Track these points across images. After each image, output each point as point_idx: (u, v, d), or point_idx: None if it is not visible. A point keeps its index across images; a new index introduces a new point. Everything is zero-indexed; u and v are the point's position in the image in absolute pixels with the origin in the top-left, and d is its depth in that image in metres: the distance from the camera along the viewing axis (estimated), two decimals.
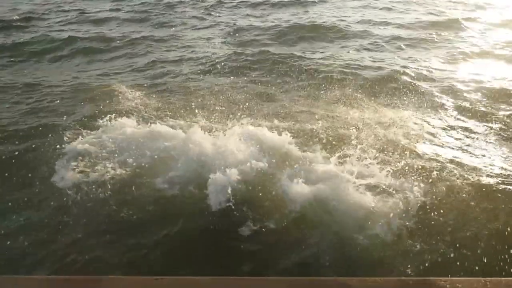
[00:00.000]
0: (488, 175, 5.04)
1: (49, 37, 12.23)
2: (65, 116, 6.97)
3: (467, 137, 6.11)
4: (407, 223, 4.19)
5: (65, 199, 4.67)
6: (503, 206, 4.48)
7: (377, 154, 5.32)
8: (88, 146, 5.46)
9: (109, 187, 4.78)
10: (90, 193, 4.69)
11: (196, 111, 6.65)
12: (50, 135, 6.09)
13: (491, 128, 6.37)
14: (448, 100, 7.50)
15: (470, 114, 6.87)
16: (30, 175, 5.15)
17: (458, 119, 6.77)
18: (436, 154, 5.60)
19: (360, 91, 7.86)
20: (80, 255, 3.99)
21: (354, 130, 6.18)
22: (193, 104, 7.02)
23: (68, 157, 5.30)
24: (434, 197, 4.54)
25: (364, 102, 7.39)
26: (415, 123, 6.53)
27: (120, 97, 7.63)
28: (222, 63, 9.70)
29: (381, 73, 8.83)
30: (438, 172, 5.05)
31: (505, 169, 5.19)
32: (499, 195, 4.67)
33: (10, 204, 4.72)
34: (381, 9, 15.71)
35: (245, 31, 12.87)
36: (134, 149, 5.31)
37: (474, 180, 4.93)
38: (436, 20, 13.68)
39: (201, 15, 15.43)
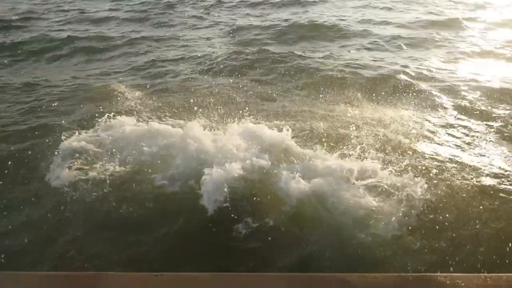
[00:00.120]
0: (488, 175, 5.04)
1: (48, 37, 12.22)
2: (64, 115, 6.97)
3: (467, 136, 6.11)
4: (407, 222, 4.17)
5: (64, 196, 4.67)
6: (503, 205, 4.47)
7: (377, 153, 5.32)
8: (87, 145, 5.46)
9: (109, 184, 4.78)
10: (89, 191, 4.68)
11: (195, 108, 6.64)
12: (49, 134, 6.09)
13: (491, 127, 6.37)
14: (448, 100, 7.49)
15: (470, 114, 6.86)
16: (29, 173, 5.16)
17: (458, 118, 6.76)
18: (436, 153, 5.59)
19: (360, 90, 7.86)
20: (80, 251, 4.00)
21: (354, 129, 6.18)
22: (192, 103, 7.01)
23: (67, 155, 5.29)
24: (434, 195, 4.53)
25: (364, 102, 7.39)
26: (415, 122, 6.52)
27: (119, 97, 7.62)
28: (222, 63, 9.70)
29: (381, 73, 8.83)
30: (438, 171, 5.05)
31: (505, 169, 5.19)
32: (500, 194, 4.66)
33: (10, 202, 4.72)
34: (381, 8, 15.71)
35: (245, 31, 12.86)
36: (133, 147, 5.31)
37: (474, 179, 4.93)
38: (436, 19, 13.68)
39: (201, 14, 15.43)
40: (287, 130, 5.49)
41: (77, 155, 5.29)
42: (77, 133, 5.74)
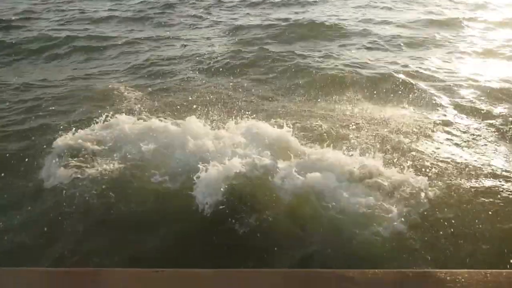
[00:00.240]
0: (488, 173, 5.04)
1: (47, 36, 12.19)
2: (63, 115, 6.97)
3: (467, 135, 6.10)
4: (408, 221, 4.17)
5: (63, 194, 4.65)
6: (503, 203, 4.47)
7: (377, 152, 5.32)
8: (87, 143, 5.44)
9: (108, 182, 4.76)
10: (89, 188, 4.66)
11: (194, 107, 6.64)
12: (48, 133, 6.09)
13: (491, 126, 6.37)
14: (448, 99, 7.48)
15: (470, 113, 6.86)
16: (28, 172, 5.14)
17: (458, 117, 6.76)
18: (437, 152, 5.59)
19: (360, 90, 7.85)
20: (79, 250, 4.00)
21: (354, 128, 6.19)
22: (192, 102, 7.00)
23: (66, 153, 5.28)
24: (434, 194, 4.52)
25: (364, 101, 7.39)
26: (415, 122, 6.52)
27: (118, 96, 7.62)
28: (222, 62, 9.68)
29: (381, 72, 8.82)
30: (438, 170, 5.07)
31: (505, 168, 5.19)
32: (500, 192, 4.66)
33: (9, 200, 4.72)
34: (381, 8, 15.72)
35: (245, 30, 12.85)
36: (133, 144, 5.30)
37: (475, 177, 4.94)
38: (436, 19, 13.69)
39: (201, 14, 15.42)
40: (288, 127, 5.49)
41: (76, 153, 5.28)
42: (76, 131, 5.72)
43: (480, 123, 6.50)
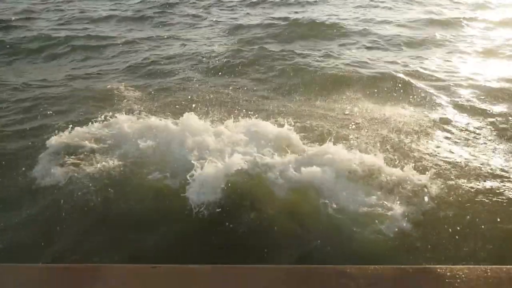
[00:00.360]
0: (488, 171, 5.04)
1: (47, 36, 12.18)
2: (62, 114, 6.96)
3: (468, 135, 6.10)
4: (408, 219, 4.16)
5: (62, 192, 4.64)
6: (504, 201, 4.47)
7: (377, 150, 5.32)
8: (86, 142, 5.44)
9: (107, 179, 4.75)
10: (88, 186, 4.65)
11: (194, 106, 6.63)
12: (47, 132, 6.05)
13: (491, 126, 6.36)
14: (448, 98, 7.48)
15: (471, 112, 6.86)
16: (27, 170, 5.12)
17: (458, 117, 6.75)
18: (437, 151, 5.59)
19: (360, 89, 7.86)
20: (78, 248, 3.99)
21: (355, 127, 6.19)
22: (192, 102, 6.99)
23: (65, 152, 5.27)
24: (435, 192, 4.52)
25: (364, 100, 7.38)
26: (416, 121, 6.51)
27: (117, 96, 7.60)
28: (222, 62, 9.67)
29: (381, 72, 8.82)
30: (438, 168, 5.06)
31: (505, 167, 5.19)
32: (500, 190, 4.66)
33: (7, 199, 4.71)
34: (381, 8, 15.74)
35: (245, 30, 12.85)
36: (132, 142, 5.29)
37: (475, 176, 4.94)
38: (436, 18, 13.70)
39: (201, 14, 15.42)
40: (289, 125, 5.49)
41: (76, 151, 5.28)
42: (75, 130, 5.71)
43: (480, 122, 6.50)
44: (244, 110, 6.60)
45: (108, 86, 8.18)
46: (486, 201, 4.51)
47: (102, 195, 4.57)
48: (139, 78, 8.99)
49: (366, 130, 6.12)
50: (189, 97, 7.43)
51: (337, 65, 9.27)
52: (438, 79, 8.46)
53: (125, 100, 7.39)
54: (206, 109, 6.59)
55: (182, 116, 5.67)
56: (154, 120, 5.83)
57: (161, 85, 8.40)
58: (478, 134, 6.13)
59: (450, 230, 4.09)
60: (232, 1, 17.21)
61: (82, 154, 5.25)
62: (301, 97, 7.66)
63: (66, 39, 11.83)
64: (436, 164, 5.23)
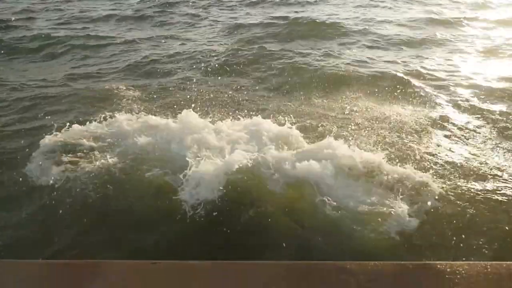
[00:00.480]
0: (489, 170, 5.04)
1: (46, 35, 12.17)
2: (61, 113, 6.95)
3: (468, 133, 6.10)
4: (407, 217, 4.16)
5: (62, 189, 4.63)
6: (505, 200, 4.48)
7: (377, 150, 5.32)
8: (85, 140, 5.44)
9: (107, 176, 4.74)
10: (86, 183, 4.64)
11: (194, 106, 6.62)
12: (46, 131, 6.02)
13: (491, 125, 6.36)
14: (448, 98, 7.48)
15: (471, 111, 6.86)
16: (25, 170, 5.11)
17: (458, 116, 6.75)
18: (437, 149, 5.60)
19: (360, 88, 7.85)
20: (77, 245, 3.98)
21: (355, 126, 6.18)
22: (191, 101, 6.97)
23: (63, 150, 5.26)
24: (435, 191, 4.52)
25: (364, 99, 7.38)
26: (416, 120, 6.51)
27: (117, 95, 7.59)
28: (221, 61, 9.66)
29: (382, 71, 8.82)
30: (438, 167, 5.07)
31: (505, 166, 5.19)
32: (501, 189, 4.66)
33: (5, 198, 4.71)
34: (382, 7, 15.75)
35: (245, 29, 12.85)
36: (131, 140, 5.30)
37: (476, 174, 4.95)
38: (436, 18, 13.71)
39: (200, 13, 15.42)
40: (290, 124, 5.49)
41: (75, 149, 5.27)
42: (75, 129, 5.70)
43: (480, 121, 6.51)
44: (244, 110, 6.60)
45: (107, 86, 8.17)
46: (487, 199, 4.51)
47: (101, 192, 4.56)
48: (139, 78, 8.98)
49: (366, 129, 6.13)
50: (189, 96, 7.42)
51: (337, 64, 9.27)
52: (438, 79, 8.46)
53: (125, 100, 7.38)
54: (206, 109, 6.58)
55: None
56: (153, 118, 5.82)
57: (161, 84, 8.39)
58: (478, 133, 6.13)
59: (450, 228, 4.09)
60: (231, 1, 17.22)
61: (81, 152, 5.25)
62: (301, 97, 7.65)
63: (65, 39, 11.84)
64: (436, 163, 5.23)
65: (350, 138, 5.69)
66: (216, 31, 13.02)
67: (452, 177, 4.90)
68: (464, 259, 3.69)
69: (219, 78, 8.75)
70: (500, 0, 16.11)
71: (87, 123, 5.90)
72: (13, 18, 14.53)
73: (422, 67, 9.14)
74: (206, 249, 3.94)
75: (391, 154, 5.31)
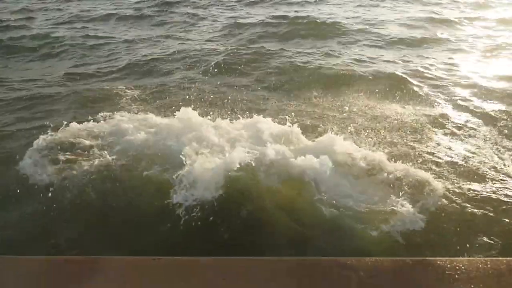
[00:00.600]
0: (487, 171, 5.04)
1: (45, 35, 12.18)
2: (59, 112, 6.95)
3: (468, 132, 6.11)
4: (407, 215, 4.15)
5: (60, 189, 4.62)
6: (504, 197, 4.48)
7: (377, 148, 5.33)
8: (83, 139, 5.43)
9: (106, 173, 4.73)
10: (86, 181, 4.63)
11: (193, 106, 6.60)
12: (45, 131, 6.03)
13: (492, 124, 6.36)
14: (448, 97, 7.50)
15: (471, 111, 6.87)
16: (25, 167, 5.09)
17: (458, 115, 6.76)
18: (437, 148, 5.60)
19: (360, 87, 7.84)
20: (76, 244, 3.97)
21: (355, 126, 6.18)
22: (190, 101, 6.95)
23: (63, 148, 5.24)
24: (434, 190, 4.51)
25: (365, 99, 7.38)
26: (416, 119, 6.51)
27: (116, 95, 7.57)
28: (221, 61, 9.63)
29: (382, 70, 8.83)
30: (439, 166, 5.08)
31: (505, 165, 5.20)
32: (501, 187, 4.67)
33: (6, 196, 4.70)
34: (382, 7, 15.76)
35: (244, 29, 12.85)
36: (129, 138, 5.30)
37: (477, 173, 4.96)
38: (437, 17, 13.71)
39: (200, 12, 15.42)
40: (290, 123, 5.49)
41: (74, 147, 5.26)
42: (75, 127, 5.69)
43: (480, 120, 6.51)
44: (244, 109, 6.59)
45: (106, 85, 8.16)
46: (487, 197, 4.51)
47: (101, 190, 4.55)
48: (138, 77, 8.97)
49: (366, 128, 6.13)
50: (188, 96, 7.40)
51: (337, 63, 9.27)
52: (438, 78, 8.47)
53: (124, 99, 7.37)
54: (205, 108, 6.57)
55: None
56: (152, 116, 5.81)
57: (160, 84, 8.38)
58: (478, 132, 6.14)
59: (453, 226, 4.09)
60: (231, 0, 17.22)
61: (80, 150, 5.24)
62: (301, 96, 7.65)
63: (64, 38, 11.84)
64: (436, 161, 5.24)
65: (350, 137, 5.68)
66: (216, 30, 13.01)
67: (453, 176, 4.91)
68: (466, 254, 3.69)
69: (219, 77, 8.74)
70: (500, 0, 16.11)
71: (86, 122, 5.89)
72: (12, 18, 14.51)
73: (422, 66, 9.14)
74: (206, 247, 3.94)
75: (391, 152, 5.31)
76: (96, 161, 4.91)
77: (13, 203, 4.56)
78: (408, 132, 6.08)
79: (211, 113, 6.29)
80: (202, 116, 5.85)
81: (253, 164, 4.46)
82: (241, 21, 13.80)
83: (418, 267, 1.70)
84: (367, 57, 9.92)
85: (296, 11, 14.93)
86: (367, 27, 12.62)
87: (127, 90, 7.85)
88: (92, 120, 5.91)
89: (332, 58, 9.77)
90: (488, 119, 6.54)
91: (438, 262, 1.67)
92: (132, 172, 4.80)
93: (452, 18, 13.48)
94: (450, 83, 8.16)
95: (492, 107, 7.01)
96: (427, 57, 9.93)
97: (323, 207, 4.14)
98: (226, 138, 5.07)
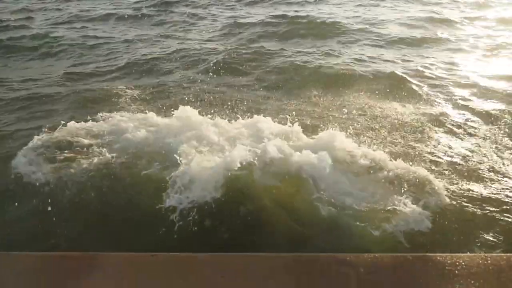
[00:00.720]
0: (487, 170, 5.03)
1: (44, 35, 12.16)
2: (58, 112, 6.94)
3: (468, 132, 6.10)
4: (407, 214, 4.14)
5: (60, 188, 4.61)
6: (505, 196, 4.47)
7: (377, 147, 5.32)
8: (82, 138, 5.43)
9: (105, 172, 4.72)
10: (85, 180, 4.61)
11: (193, 104, 6.59)
12: (44, 130, 6.04)
13: (492, 123, 6.36)
14: (448, 97, 7.49)
15: (471, 110, 6.86)
16: (24, 167, 5.08)
17: (458, 114, 6.75)
18: (437, 148, 5.60)
19: (361, 87, 7.84)
20: (75, 243, 3.96)
21: (354, 125, 6.17)
22: (190, 101, 6.93)
23: (62, 147, 5.24)
24: (434, 189, 4.50)
25: (365, 98, 7.37)
26: (416, 119, 6.51)
27: (115, 94, 7.55)
28: (220, 61, 9.61)
29: (382, 70, 8.82)
30: (439, 165, 5.07)
31: (505, 164, 5.19)
32: (502, 187, 4.66)
33: (5, 196, 4.69)
34: (382, 6, 15.75)
35: (244, 28, 12.84)
36: (130, 137, 5.30)
37: (475, 173, 4.94)
38: (437, 17, 13.70)
39: (200, 12, 15.41)
40: (290, 123, 5.48)
41: (73, 146, 5.25)
42: (74, 126, 5.68)
43: (480, 120, 6.50)
44: (243, 108, 6.58)
45: (106, 85, 8.15)
46: (488, 196, 4.50)
47: (100, 188, 4.54)
48: (138, 77, 8.95)
49: (366, 128, 6.12)
50: (187, 96, 7.37)
51: (337, 63, 9.26)
52: (438, 77, 8.46)
53: (123, 98, 7.36)
54: (205, 108, 6.55)
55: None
56: (151, 115, 5.80)
57: (160, 83, 8.37)
58: (478, 131, 6.13)
59: (452, 225, 4.08)
60: (231, 0, 17.20)
61: (79, 148, 5.23)
62: (301, 95, 7.63)
63: (64, 38, 11.82)
64: (436, 160, 5.23)
65: (350, 136, 5.67)
66: (216, 30, 13.00)
67: (453, 175, 4.89)
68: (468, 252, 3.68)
69: (219, 77, 8.72)
70: (500, 0, 16.11)
71: (86, 121, 5.88)
72: (12, 18, 14.50)
73: (422, 66, 9.14)
74: (205, 245, 3.92)
75: (392, 151, 5.31)
76: (95, 159, 4.89)
77: (11, 201, 4.53)
78: (408, 131, 6.07)
79: (211, 112, 6.27)
80: (202, 115, 5.84)
81: (256, 163, 4.44)
82: (241, 20, 13.79)
83: (418, 263, 1.69)
84: (367, 56, 9.91)
85: (296, 11, 14.92)
86: (367, 26, 12.61)
87: (126, 90, 7.84)
88: (92, 120, 5.89)
89: (332, 58, 9.75)
90: (488, 118, 6.53)
91: (438, 258, 1.65)
92: (131, 170, 4.79)
93: (452, 18, 13.48)
94: (450, 83, 8.15)
95: (492, 106, 7.01)
96: (427, 57, 9.92)
97: (323, 206, 4.12)
98: (225, 137, 5.05)
